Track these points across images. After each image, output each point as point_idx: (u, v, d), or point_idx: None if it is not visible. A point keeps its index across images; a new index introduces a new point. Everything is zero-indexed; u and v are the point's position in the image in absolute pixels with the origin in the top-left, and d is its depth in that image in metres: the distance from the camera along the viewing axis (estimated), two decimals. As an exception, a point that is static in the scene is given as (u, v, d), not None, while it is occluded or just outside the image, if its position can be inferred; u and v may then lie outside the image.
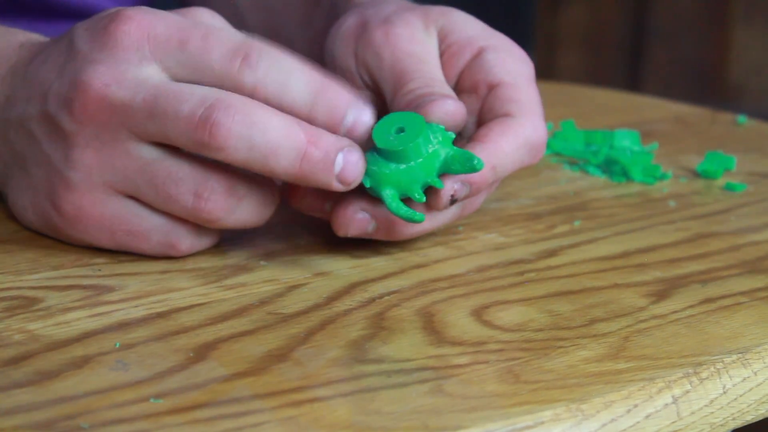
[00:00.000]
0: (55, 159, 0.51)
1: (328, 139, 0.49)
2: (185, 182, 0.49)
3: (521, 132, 0.54)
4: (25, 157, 0.52)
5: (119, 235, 0.51)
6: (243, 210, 0.50)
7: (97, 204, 0.51)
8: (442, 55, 0.57)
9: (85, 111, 0.49)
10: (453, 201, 0.51)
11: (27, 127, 0.51)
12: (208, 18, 0.52)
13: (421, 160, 0.50)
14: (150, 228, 0.51)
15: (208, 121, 0.48)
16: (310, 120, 0.49)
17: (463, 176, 0.51)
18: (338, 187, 0.49)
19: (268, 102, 0.49)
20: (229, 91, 0.49)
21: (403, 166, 0.50)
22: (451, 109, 0.53)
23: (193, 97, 0.48)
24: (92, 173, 0.50)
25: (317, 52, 0.61)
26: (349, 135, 0.50)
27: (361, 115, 0.50)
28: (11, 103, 0.52)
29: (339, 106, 0.49)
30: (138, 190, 0.50)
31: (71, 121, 0.50)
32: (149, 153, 0.50)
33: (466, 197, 0.52)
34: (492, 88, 0.56)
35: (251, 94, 0.49)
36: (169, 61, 0.49)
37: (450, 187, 0.51)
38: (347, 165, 0.49)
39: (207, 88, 0.49)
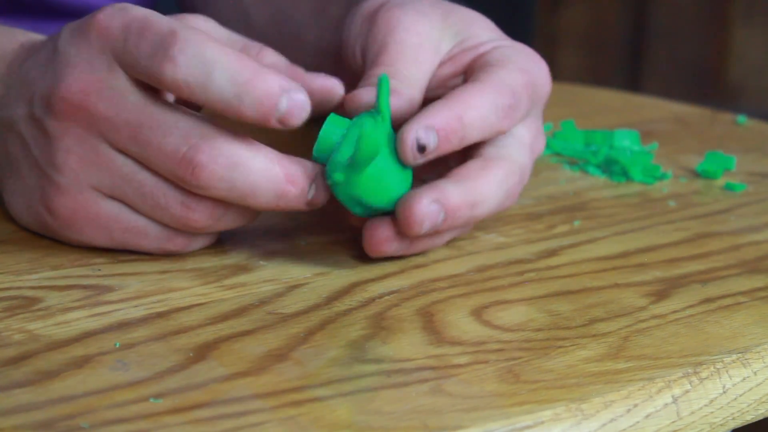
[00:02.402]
0: (42, 162, 0.51)
1: (303, 175, 0.49)
2: (172, 193, 0.49)
3: (500, 170, 0.52)
4: (17, 158, 0.52)
5: (116, 233, 0.51)
6: (231, 216, 0.50)
7: (89, 206, 0.51)
8: (454, 56, 0.57)
9: (66, 115, 0.49)
10: (422, 149, 0.50)
11: (17, 128, 0.52)
12: (201, 23, 0.52)
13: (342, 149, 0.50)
14: (146, 225, 0.51)
15: (192, 163, 0.48)
16: (239, 115, 0.48)
17: (424, 122, 0.50)
18: (306, 209, 0.50)
19: (192, 97, 0.48)
20: (158, 85, 0.48)
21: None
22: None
23: (177, 130, 0.48)
24: (79, 177, 0.50)
25: (331, 40, 0.61)
26: (285, 123, 0.48)
27: (294, 99, 0.48)
28: (5, 103, 0.52)
29: (268, 95, 0.47)
30: (125, 196, 0.50)
31: (54, 125, 0.50)
32: (133, 165, 0.50)
33: (438, 154, 0.51)
34: (480, 60, 0.55)
35: (174, 91, 0.48)
36: (122, 62, 0.49)
37: (411, 134, 0.50)
38: (317, 193, 0.50)
39: (192, 117, 0.48)
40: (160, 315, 0.47)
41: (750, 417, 0.45)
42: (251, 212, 0.51)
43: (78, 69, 0.49)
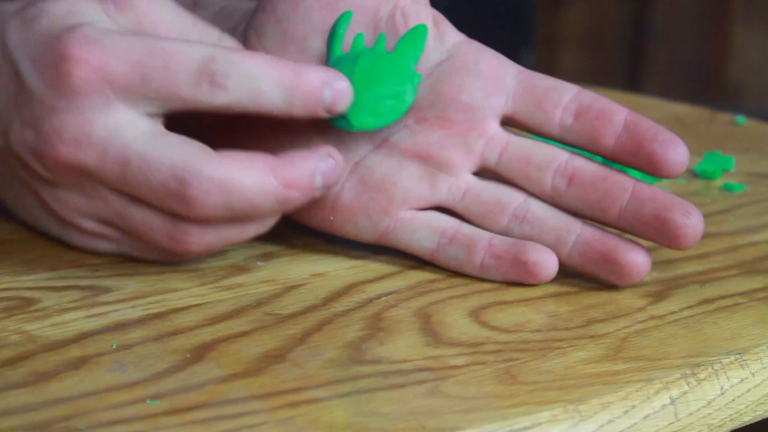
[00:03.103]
0: (42, 194, 0.51)
1: (303, 173, 0.49)
2: (159, 227, 0.49)
3: None
4: (9, 181, 0.52)
5: (123, 248, 0.52)
6: (222, 241, 0.50)
7: (96, 231, 0.51)
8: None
9: (57, 166, 0.48)
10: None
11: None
12: (145, 6, 0.50)
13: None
14: (148, 245, 0.51)
15: (184, 199, 0.47)
16: (289, 115, 0.49)
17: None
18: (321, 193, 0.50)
19: (244, 112, 0.48)
20: (200, 111, 0.48)
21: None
22: None
23: (163, 166, 0.47)
24: (80, 210, 0.50)
25: None
26: (332, 111, 0.49)
27: (335, 86, 0.49)
28: None
29: (312, 92, 0.49)
30: (119, 225, 0.50)
31: (47, 171, 0.49)
32: (121, 198, 0.49)
33: None
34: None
35: (226, 113, 0.48)
36: (134, 98, 0.48)
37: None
38: (327, 178, 0.49)
39: (177, 148, 0.47)
40: (158, 316, 0.47)
41: (748, 418, 0.45)
42: (253, 226, 0.50)
43: (62, 115, 0.48)
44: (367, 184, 0.53)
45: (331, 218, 0.53)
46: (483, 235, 0.52)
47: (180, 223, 0.49)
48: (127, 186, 0.48)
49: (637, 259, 0.51)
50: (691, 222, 0.50)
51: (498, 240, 0.52)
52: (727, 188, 0.66)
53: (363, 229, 0.53)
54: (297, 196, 0.49)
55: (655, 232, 0.51)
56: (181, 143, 0.48)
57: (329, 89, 0.49)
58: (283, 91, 0.48)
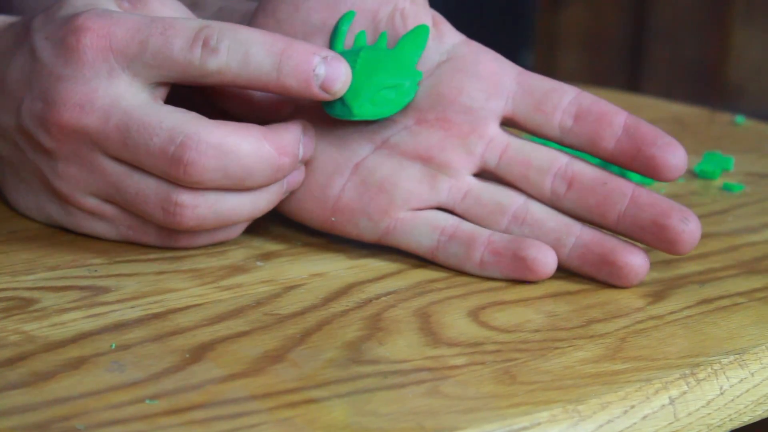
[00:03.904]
0: (44, 170, 0.52)
1: (291, 141, 0.51)
2: (152, 198, 0.50)
3: None
4: (14, 163, 0.53)
5: (121, 230, 0.53)
6: (215, 217, 0.51)
7: (95, 208, 0.52)
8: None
9: (60, 132, 0.50)
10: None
11: (8, 136, 0.52)
12: (158, 6, 0.52)
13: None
14: (145, 223, 0.52)
15: (182, 161, 0.49)
16: (281, 86, 0.50)
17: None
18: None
19: (235, 81, 0.49)
20: (195, 78, 0.50)
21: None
22: None
23: (162, 130, 0.49)
24: (79, 184, 0.52)
25: None
26: (327, 89, 0.50)
27: (330, 62, 0.50)
28: None
29: (305, 61, 0.49)
30: (117, 200, 0.52)
31: (50, 140, 0.51)
32: (118, 169, 0.51)
33: None
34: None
35: (217, 80, 0.49)
36: (135, 66, 0.50)
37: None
38: (306, 148, 0.52)
39: (175, 115, 0.49)
40: (157, 316, 0.47)
41: (747, 418, 0.45)
42: (243, 211, 0.51)
43: (69, 83, 0.50)
44: (368, 185, 0.53)
45: (333, 219, 0.53)
46: (482, 232, 0.52)
47: (173, 193, 0.50)
48: (126, 151, 0.50)
49: (635, 261, 0.51)
50: (688, 228, 0.50)
51: (497, 237, 0.52)
52: (727, 188, 0.67)
53: (364, 229, 0.53)
54: (288, 163, 0.51)
55: (653, 238, 0.51)
56: (180, 111, 0.50)
57: (323, 64, 0.50)
58: (271, 56, 0.49)
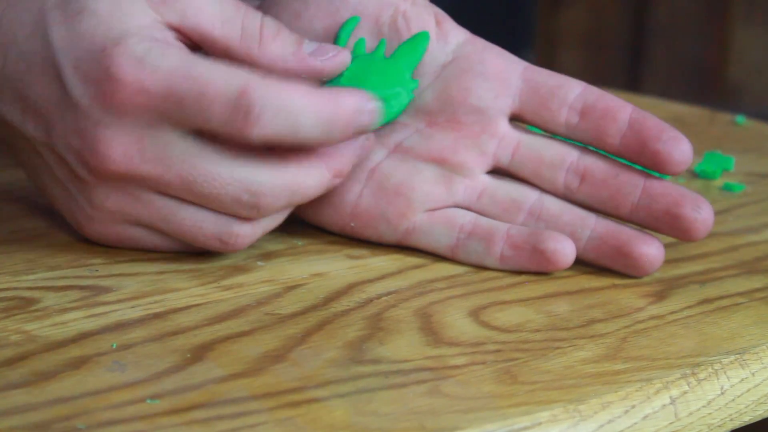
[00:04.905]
0: (73, 192, 0.50)
1: (347, 162, 0.50)
2: (209, 230, 0.50)
3: None
4: (34, 166, 0.51)
5: (146, 246, 0.52)
6: (262, 232, 0.51)
7: (121, 233, 0.51)
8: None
9: (108, 176, 0.48)
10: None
11: (34, 145, 0.50)
12: (200, 2, 0.49)
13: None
14: (176, 242, 0.52)
15: (256, 205, 0.49)
16: (328, 154, 0.50)
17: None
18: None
19: (280, 144, 0.48)
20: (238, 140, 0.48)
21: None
22: None
23: (232, 180, 0.48)
24: (115, 215, 0.50)
25: None
26: (363, 132, 0.49)
27: (368, 109, 0.49)
28: None
29: (349, 121, 0.48)
30: (163, 230, 0.51)
31: (92, 177, 0.49)
32: (170, 203, 0.50)
33: None
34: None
35: (264, 143, 0.48)
36: (173, 118, 0.47)
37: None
38: (360, 159, 0.52)
39: (244, 163, 0.48)
40: (158, 316, 0.47)
41: (748, 418, 0.45)
42: (282, 214, 0.52)
43: (110, 131, 0.48)
44: (385, 190, 0.53)
45: (352, 225, 0.54)
46: (500, 227, 0.53)
47: (233, 225, 0.50)
48: (191, 196, 0.49)
49: (650, 251, 0.52)
50: (701, 216, 0.51)
51: (515, 231, 0.53)
52: (727, 188, 0.67)
53: (383, 233, 0.54)
54: (339, 182, 0.51)
55: (667, 227, 0.52)
56: (241, 156, 0.48)
57: (362, 114, 0.49)
58: (322, 125, 0.48)
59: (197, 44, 0.50)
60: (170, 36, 0.49)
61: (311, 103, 0.47)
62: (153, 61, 0.47)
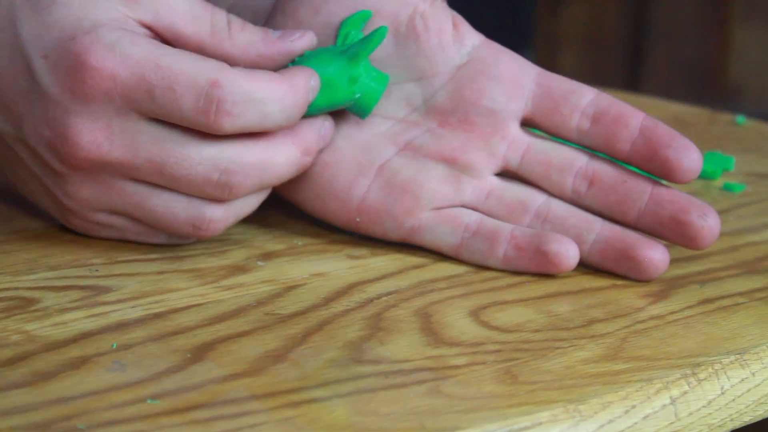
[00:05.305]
0: (50, 185, 0.51)
1: (315, 139, 0.52)
2: (181, 215, 0.50)
3: None
4: (10, 163, 0.52)
5: (130, 235, 0.53)
6: (236, 218, 0.52)
7: (101, 222, 0.52)
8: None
9: (78, 164, 0.49)
10: None
11: (9, 143, 0.51)
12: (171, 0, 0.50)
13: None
14: (157, 231, 0.52)
15: (226, 186, 0.49)
16: (293, 132, 0.50)
17: None
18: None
19: (248, 131, 0.49)
20: (205, 130, 0.48)
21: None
22: None
23: (203, 160, 0.49)
24: (90, 203, 0.51)
25: None
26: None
27: (314, 86, 0.50)
28: None
29: (301, 101, 0.50)
30: (138, 217, 0.51)
31: (63, 167, 0.50)
32: (142, 189, 0.50)
33: None
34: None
35: (231, 133, 0.49)
36: (141, 108, 0.48)
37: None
38: (324, 140, 0.53)
39: (212, 146, 0.49)
40: (158, 316, 0.47)
41: (748, 418, 0.45)
42: (263, 195, 0.52)
43: (80, 119, 0.48)
44: (392, 186, 0.53)
45: (357, 220, 0.54)
46: (505, 228, 0.53)
47: (206, 210, 0.50)
48: (161, 179, 0.49)
49: (655, 255, 0.52)
50: (707, 224, 0.51)
51: (519, 232, 0.53)
52: (727, 188, 0.66)
53: (389, 229, 0.54)
54: (309, 161, 0.51)
55: (673, 234, 0.52)
56: (212, 136, 0.49)
57: (311, 91, 0.50)
58: (285, 111, 0.49)
59: (169, 42, 0.50)
60: (141, 31, 0.49)
61: (275, 91, 0.49)
62: (123, 48, 0.47)
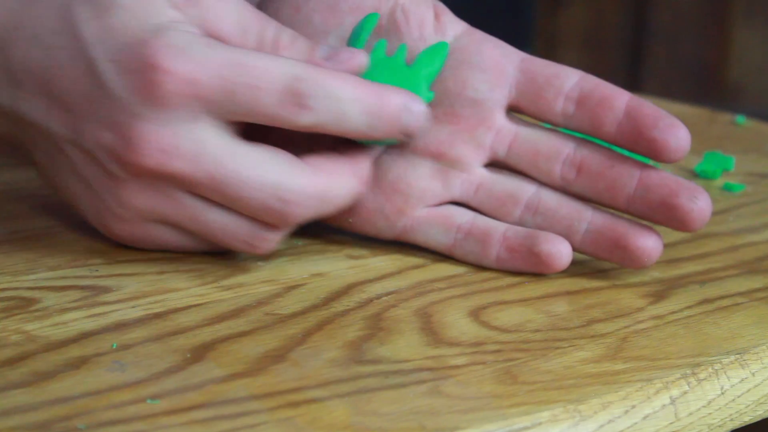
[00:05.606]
0: (99, 190, 0.50)
1: (368, 169, 0.51)
2: (238, 234, 0.50)
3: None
4: (54, 165, 0.51)
5: (172, 248, 0.52)
6: (290, 230, 0.51)
7: (149, 232, 0.51)
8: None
9: (140, 171, 0.48)
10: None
11: (55, 141, 0.50)
12: (221, 9, 0.49)
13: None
14: (204, 243, 0.52)
15: (284, 213, 0.48)
16: (371, 138, 0.50)
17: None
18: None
19: (324, 131, 0.48)
20: (281, 126, 0.48)
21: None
22: None
23: (262, 185, 0.48)
24: (142, 212, 0.50)
25: None
26: (408, 134, 0.50)
27: (414, 109, 0.49)
28: (13, 94, 0.49)
29: (394, 117, 0.49)
30: (190, 229, 0.50)
31: (123, 173, 0.48)
32: (199, 204, 0.49)
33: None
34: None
35: (307, 131, 0.48)
36: (219, 111, 0.47)
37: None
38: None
39: (276, 169, 0.48)
40: (158, 316, 0.47)
41: (748, 418, 0.45)
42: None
43: (148, 124, 0.47)
44: (382, 186, 0.53)
45: (350, 220, 0.54)
46: (497, 229, 0.53)
47: (265, 233, 0.50)
48: (219, 197, 0.48)
49: (647, 243, 0.52)
50: (697, 206, 0.51)
51: (512, 233, 0.53)
52: (727, 188, 0.67)
53: (381, 229, 0.54)
54: (363, 190, 0.51)
55: (664, 217, 0.51)
56: (274, 159, 0.48)
57: (409, 113, 0.49)
58: (367, 116, 0.48)
59: None
60: (199, 32, 0.48)
61: (358, 94, 0.48)
62: (198, 51, 0.47)
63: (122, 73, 0.47)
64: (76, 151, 0.49)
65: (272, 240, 0.50)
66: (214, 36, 0.49)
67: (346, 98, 0.48)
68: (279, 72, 0.47)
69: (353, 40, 0.53)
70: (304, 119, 0.48)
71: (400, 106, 0.49)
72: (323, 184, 0.49)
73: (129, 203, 0.50)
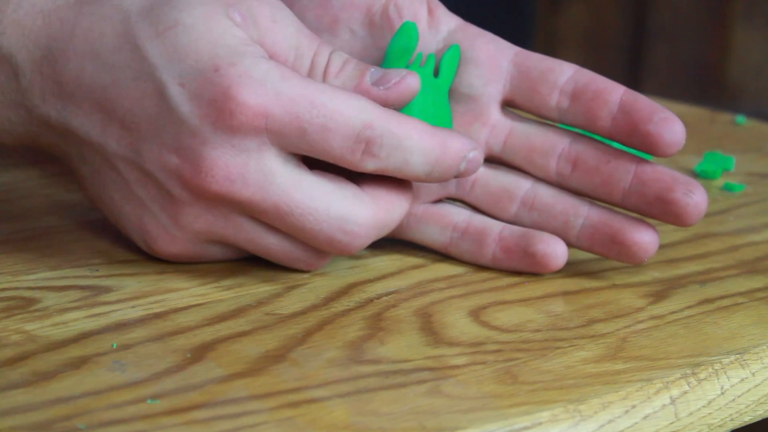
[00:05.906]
0: (154, 210, 0.49)
1: (409, 197, 0.51)
2: (297, 256, 0.50)
3: None
4: (102, 180, 0.50)
5: (219, 257, 0.52)
6: None
7: (196, 250, 0.51)
8: None
9: (205, 196, 0.47)
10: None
11: (100, 152, 0.49)
12: (269, 24, 0.49)
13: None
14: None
15: (348, 245, 0.48)
16: (426, 182, 0.51)
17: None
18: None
19: (388, 174, 0.49)
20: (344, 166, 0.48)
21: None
22: None
23: (328, 218, 0.48)
24: (200, 234, 0.49)
25: None
26: (462, 177, 0.50)
27: (471, 158, 0.49)
28: (65, 108, 0.48)
29: (452, 165, 0.49)
30: (248, 249, 0.50)
31: (186, 196, 0.48)
32: (263, 228, 0.49)
33: None
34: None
35: (369, 172, 0.48)
36: (288, 146, 0.47)
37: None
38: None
39: (341, 202, 0.48)
40: (158, 316, 0.47)
41: (748, 418, 0.45)
42: None
43: (217, 151, 0.47)
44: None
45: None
46: (493, 228, 0.53)
47: (324, 257, 0.50)
48: (283, 226, 0.48)
49: (644, 238, 0.51)
50: (693, 201, 0.51)
51: (508, 232, 0.53)
52: (728, 188, 0.66)
53: None
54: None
55: (659, 212, 0.51)
56: (339, 191, 0.48)
57: (467, 162, 0.49)
58: (428, 165, 0.49)
59: None
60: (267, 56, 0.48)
61: (423, 144, 0.48)
62: (274, 84, 0.46)
63: (194, 99, 0.46)
64: (131, 169, 0.48)
65: (327, 260, 0.51)
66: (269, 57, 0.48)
67: (412, 149, 0.48)
68: (350, 115, 0.47)
69: (393, 56, 0.52)
70: (369, 165, 0.48)
71: (460, 156, 0.49)
72: (383, 213, 0.49)
73: (188, 226, 0.49)
